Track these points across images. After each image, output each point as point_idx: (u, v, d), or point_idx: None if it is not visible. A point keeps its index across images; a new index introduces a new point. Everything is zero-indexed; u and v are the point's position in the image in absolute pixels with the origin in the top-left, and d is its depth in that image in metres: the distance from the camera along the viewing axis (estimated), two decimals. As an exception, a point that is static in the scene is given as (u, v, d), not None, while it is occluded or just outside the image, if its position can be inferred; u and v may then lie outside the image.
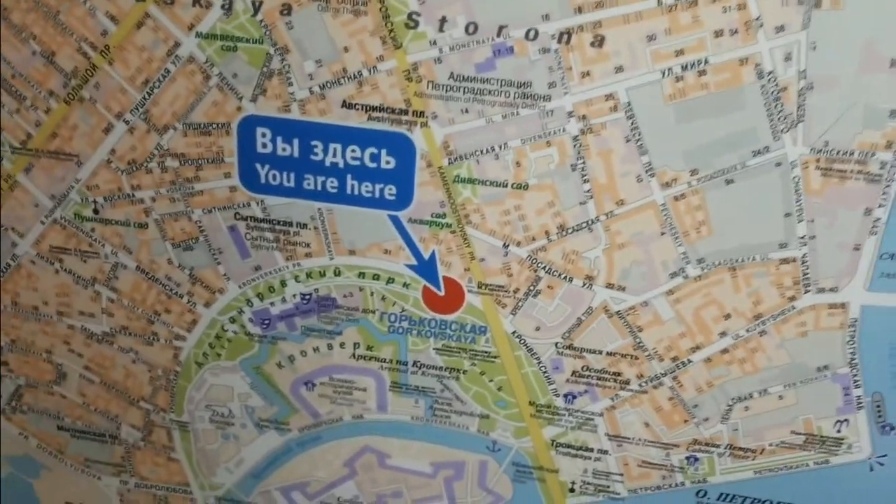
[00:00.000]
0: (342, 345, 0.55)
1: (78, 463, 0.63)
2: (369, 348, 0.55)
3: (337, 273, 0.52)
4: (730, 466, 0.55)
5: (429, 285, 0.52)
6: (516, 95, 0.46)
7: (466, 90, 0.46)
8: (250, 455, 0.61)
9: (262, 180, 0.50)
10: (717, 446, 0.55)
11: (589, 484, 0.58)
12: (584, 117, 0.46)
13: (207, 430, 0.60)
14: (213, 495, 0.63)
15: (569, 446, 0.57)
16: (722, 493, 0.57)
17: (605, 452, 0.57)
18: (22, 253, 0.55)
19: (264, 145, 0.48)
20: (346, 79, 0.46)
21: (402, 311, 0.53)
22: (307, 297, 0.53)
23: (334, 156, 0.48)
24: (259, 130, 0.48)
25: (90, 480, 0.64)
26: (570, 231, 0.49)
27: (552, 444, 0.57)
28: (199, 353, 0.57)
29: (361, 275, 0.52)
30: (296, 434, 0.59)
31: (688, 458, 0.56)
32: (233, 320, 0.55)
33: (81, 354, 0.58)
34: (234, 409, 0.59)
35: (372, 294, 0.53)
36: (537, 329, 0.53)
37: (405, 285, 0.52)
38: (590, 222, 0.49)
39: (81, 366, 0.59)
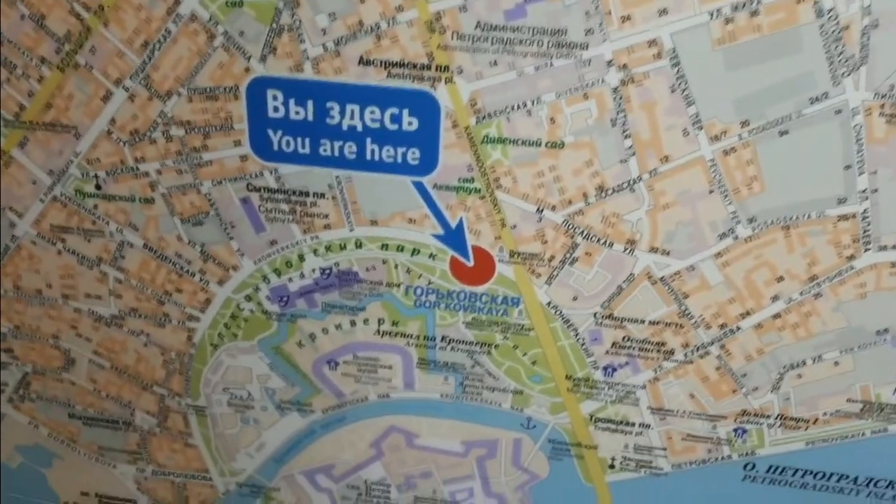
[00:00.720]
0: (366, 321, 0.53)
1: (91, 451, 0.62)
2: (394, 324, 0.53)
3: (358, 245, 0.50)
4: (780, 438, 0.53)
5: (457, 255, 0.49)
6: (550, 44, 0.42)
7: (495, 40, 0.42)
8: (272, 439, 0.59)
9: (275, 147, 0.47)
10: (768, 417, 0.52)
11: (630, 460, 0.56)
12: (624, 66, 0.42)
13: (226, 414, 0.58)
14: (233, 481, 0.62)
15: (608, 421, 0.54)
16: (771, 466, 0.54)
17: (648, 426, 0.54)
18: (21, 233, 0.53)
19: (276, 109, 0.46)
20: (362, 32, 0.43)
21: (429, 283, 0.51)
22: (327, 271, 0.51)
23: (352, 118, 0.45)
24: (270, 93, 0.45)
25: (105, 469, 0.63)
26: (609, 192, 0.46)
27: (591, 420, 0.55)
28: (213, 333, 0.54)
29: (384, 246, 0.50)
30: (319, 415, 0.57)
31: (735, 430, 0.53)
32: (249, 298, 0.53)
33: (90, 339, 0.56)
34: (253, 391, 0.57)
35: (396, 266, 0.50)
36: (574, 299, 0.50)
37: (431, 256, 0.50)
38: (631, 182, 0.46)
39: (90, 351, 0.57)
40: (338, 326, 0.53)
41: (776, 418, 0.52)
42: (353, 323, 0.53)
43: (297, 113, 0.46)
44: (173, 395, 0.58)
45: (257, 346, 0.55)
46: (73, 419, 0.60)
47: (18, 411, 0.61)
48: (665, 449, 0.55)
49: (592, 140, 0.45)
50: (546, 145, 0.45)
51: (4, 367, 0.58)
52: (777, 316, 0.49)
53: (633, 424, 0.54)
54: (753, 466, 0.55)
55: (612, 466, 0.56)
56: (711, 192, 0.45)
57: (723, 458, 0.54)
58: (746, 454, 0.54)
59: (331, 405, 0.57)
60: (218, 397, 0.57)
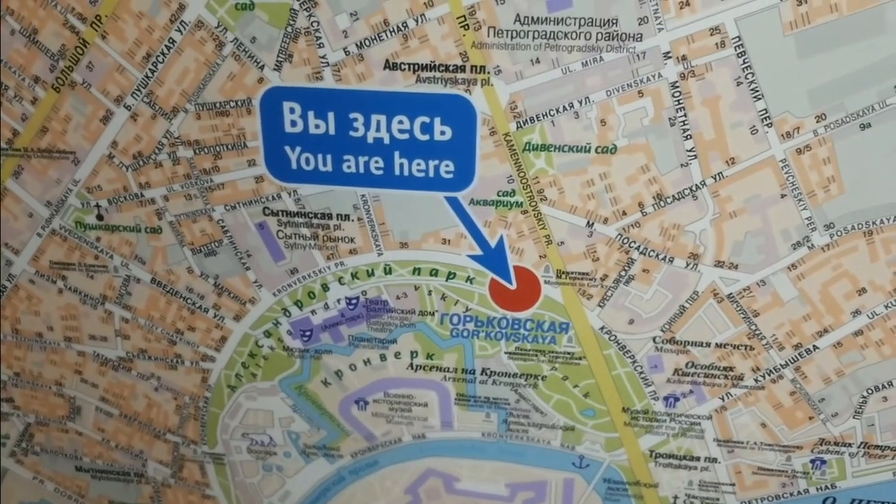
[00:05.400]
0: (397, 355, 0.50)
1: None
2: (429, 357, 0.49)
3: (387, 271, 0.47)
4: (864, 468, 0.49)
5: (497, 278, 0.46)
6: (599, 36, 0.39)
7: (537, 34, 0.39)
8: (297, 487, 0.56)
9: (294, 166, 0.44)
10: (849, 445, 0.48)
11: (694, 498, 0.52)
12: (683, 58, 0.39)
13: (246, 462, 0.55)
14: None
15: (671, 456, 0.51)
16: (854, 500, 0.50)
17: (714, 461, 0.50)
18: (19, 272, 0.49)
19: (293, 123, 0.43)
20: (388, 33, 0.40)
21: (467, 310, 0.47)
22: (354, 301, 0.48)
23: (378, 130, 0.42)
24: (286, 105, 0.42)
25: None
26: (669, 200, 0.42)
27: (651, 456, 0.51)
28: (230, 374, 0.51)
29: (416, 271, 0.46)
30: (348, 460, 0.54)
31: (813, 461, 0.49)
32: (268, 334, 0.50)
33: (96, 385, 0.53)
34: (275, 436, 0.54)
35: (430, 293, 0.47)
36: (631, 322, 0.46)
37: (469, 280, 0.46)
38: (693, 188, 0.42)
39: (97, 397, 0.54)
40: (366, 362, 0.50)
41: (859, 447, 0.48)
42: (383, 357, 0.50)
43: (317, 126, 0.43)
44: (188, 442, 0.55)
45: (279, 386, 0.52)
46: (81, 472, 0.58)
47: (21, 465, 0.58)
48: (734, 485, 0.51)
49: (649, 142, 0.41)
50: (596, 150, 0.41)
51: (5, 417, 0.56)
52: (859, 333, 0.45)
53: (698, 459, 0.50)
54: (834, 501, 0.51)
55: None
56: (784, 196, 0.42)
57: (799, 492, 0.51)
58: (826, 487, 0.50)
59: (361, 449, 0.54)
60: (237, 444, 0.54)
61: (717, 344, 0.46)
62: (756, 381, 0.47)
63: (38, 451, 0.57)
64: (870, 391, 0.46)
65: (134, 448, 0.55)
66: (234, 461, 0.55)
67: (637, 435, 0.50)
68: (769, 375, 0.46)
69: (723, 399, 0.48)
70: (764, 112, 0.39)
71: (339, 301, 0.48)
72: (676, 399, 0.48)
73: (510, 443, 0.52)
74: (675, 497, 0.52)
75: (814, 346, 0.45)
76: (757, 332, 0.45)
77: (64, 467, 0.57)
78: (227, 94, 0.42)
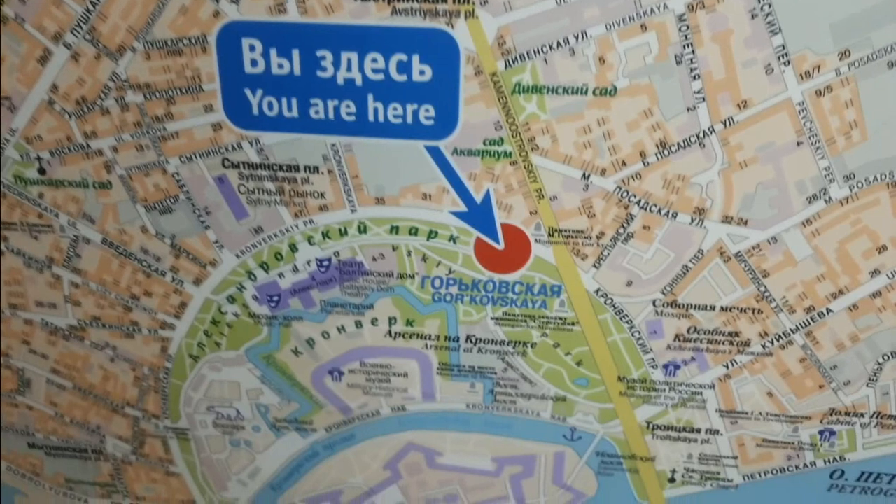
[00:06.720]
0: (374, 321, 0.47)
1: (59, 485, 0.56)
2: (409, 323, 0.46)
3: (362, 229, 0.43)
4: (875, 440, 0.47)
5: (483, 237, 0.43)
6: None
7: None
8: (267, 463, 0.53)
9: (255, 112, 0.40)
10: (861, 416, 0.46)
11: (693, 472, 0.50)
12: None
13: (212, 437, 0.52)
14: None
15: (669, 428, 0.48)
16: (864, 473, 0.48)
17: (716, 432, 0.48)
18: None
19: (254, 63, 0.39)
20: None
21: (450, 273, 0.44)
22: (325, 263, 0.45)
23: (349, 70, 0.38)
24: (246, 42, 0.38)
25: None
26: (673, 149, 0.39)
27: (648, 428, 0.49)
28: (192, 343, 0.48)
29: (394, 229, 0.43)
30: (322, 434, 0.52)
31: (821, 432, 0.47)
32: (232, 300, 0.46)
33: (46, 355, 0.50)
34: (242, 409, 0.51)
35: (409, 254, 0.44)
36: (629, 284, 0.43)
37: (452, 239, 0.43)
38: (701, 135, 0.38)
39: (48, 369, 0.50)
40: (341, 329, 0.47)
41: (872, 417, 0.46)
42: (358, 324, 0.47)
43: (280, 66, 0.39)
44: (149, 417, 0.51)
45: (245, 355, 0.49)
46: (35, 449, 0.54)
47: (-30, 443, 0.55)
48: (736, 458, 0.49)
49: (652, 83, 0.37)
50: (594, 93, 0.38)
51: (-51, 392, 0.52)
52: (877, 294, 0.42)
53: (699, 431, 0.48)
54: (842, 474, 0.48)
55: (672, 480, 0.50)
56: (800, 144, 0.38)
57: (805, 465, 0.48)
58: (834, 460, 0.48)
59: (336, 422, 0.51)
60: (202, 418, 0.51)
61: (722, 307, 0.43)
62: (763, 347, 0.44)
63: (-14, 428, 0.54)
64: (886, 357, 0.44)
65: (90, 423, 0.52)
66: (199, 436, 0.52)
67: (633, 406, 0.47)
68: (778, 341, 0.44)
69: (727, 367, 0.45)
70: (781, 48, 0.36)
71: (308, 263, 0.45)
72: (677, 367, 0.46)
73: (497, 415, 0.49)
74: (674, 471, 0.49)
75: (827, 309, 0.43)
76: (766, 294, 0.42)
77: (15, 444, 0.54)
78: (180, 30, 0.38)
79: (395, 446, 0.51)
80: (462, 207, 0.42)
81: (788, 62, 0.36)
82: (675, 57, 0.36)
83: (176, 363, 0.49)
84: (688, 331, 0.44)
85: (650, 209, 0.40)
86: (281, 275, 0.45)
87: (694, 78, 0.37)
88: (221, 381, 0.49)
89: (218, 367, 0.49)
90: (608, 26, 0.36)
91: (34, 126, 0.41)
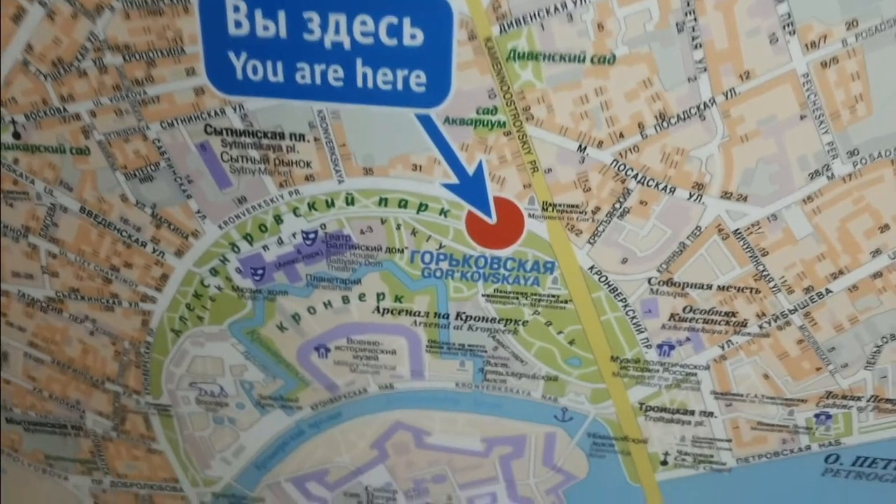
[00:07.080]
0: (361, 296, 0.45)
1: (38, 462, 0.55)
2: (398, 299, 0.45)
3: (350, 201, 0.42)
4: (872, 424, 0.46)
5: (475, 211, 0.41)
6: None
7: None
8: (252, 441, 0.52)
9: (239, 76, 0.38)
10: (858, 399, 0.45)
11: (686, 454, 0.49)
12: None
13: (195, 414, 0.51)
14: (208, 492, 0.55)
15: (662, 410, 0.47)
16: (859, 458, 0.48)
17: (710, 415, 0.47)
18: None
19: (238, 24, 0.37)
20: None
21: (440, 247, 0.43)
22: (311, 235, 0.43)
23: (337, 32, 0.37)
24: (230, 3, 0.36)
25: (55, 482, 0.56)
26: (673, 121, 0.37)
27: (641, 409, 0.48)
28: (174, 317, 0.47)
29: (383, 201, 0.42)
30: (308, 412, 0.51)
31: (817, 415, 0.46)
32: (215, 272, 0.45)
33: (23, 328, 0.48)
34: (226, 385, 0.50)
35: (398, 227, 0.43)
36: (624, 261, 0.42)
37: (443, 213, 0.42)
38: (702, 106, 0.37)
39: (25, 342, 0.49)
40: (327, 304, 0.46)
41: (868, 400, 0.45)
42: (345, 299, 0.46)
43: (265, 28, 0.37)
44: (130, 392, 0.50)
45: (229, 330, 0.47)
46: (12, 424, 0.53)
47: (-54, 418, 0.54)
48: (730, 441, 0.48)
49: (652, 51, 0.36)
50: (592, 61, 0.36)
51: (-75, 364, 0.50)
52: (878, 275, 0.41)
53: (693, 413, 0.47)
54: (837, 458, 0.48)
55: (664, 463, 0.50)
56: (803, 117, 0.37)
57: (800, 449, 0.48)
58: (829, 444, 0.47)
59: (322, 400, 0.50)
60: (184, 394, 0.50)
61: (719, 286, 0.42)
62: (761, 327, 0.43)
63: (-37, 401, 0.52)
64: (885, 339, 0.43)
65: (70, 398, 0.51)
66: (181, 413, 0.51)
67: (626, 386, 0.46)
68: (775, 322, 0.43)
69: (723, 348, 0.44)
70: (787, 17, 0.34)
71: (294, 235, 0.43)
72: (671, 347, 0.45)
73: (487, 394, 0.48)
74: (666, 453, 0.49)
75: (826, 289, 0.41)
76: (765, 273, 0.41)
77: (-7, 419, 0.53)
78: (160, -12, 0.36)
79: (383, 425, 0.50)
80: (453, 179, 0.40)
81: (794, 32, 0.34)
82: (677, 25, 0.35)
83: (157, 337, 0.47)
84: (683, 310, 0.43)
85: (647, 184, 0.39)
86: (265, 247, 0.43)
87: (696, 47, 0.35)
88: (204, 357, 0.48)
89: (201, 342, 0.47)
90: (608, -10, 0.34)
91: (8, 88, 0.39)
